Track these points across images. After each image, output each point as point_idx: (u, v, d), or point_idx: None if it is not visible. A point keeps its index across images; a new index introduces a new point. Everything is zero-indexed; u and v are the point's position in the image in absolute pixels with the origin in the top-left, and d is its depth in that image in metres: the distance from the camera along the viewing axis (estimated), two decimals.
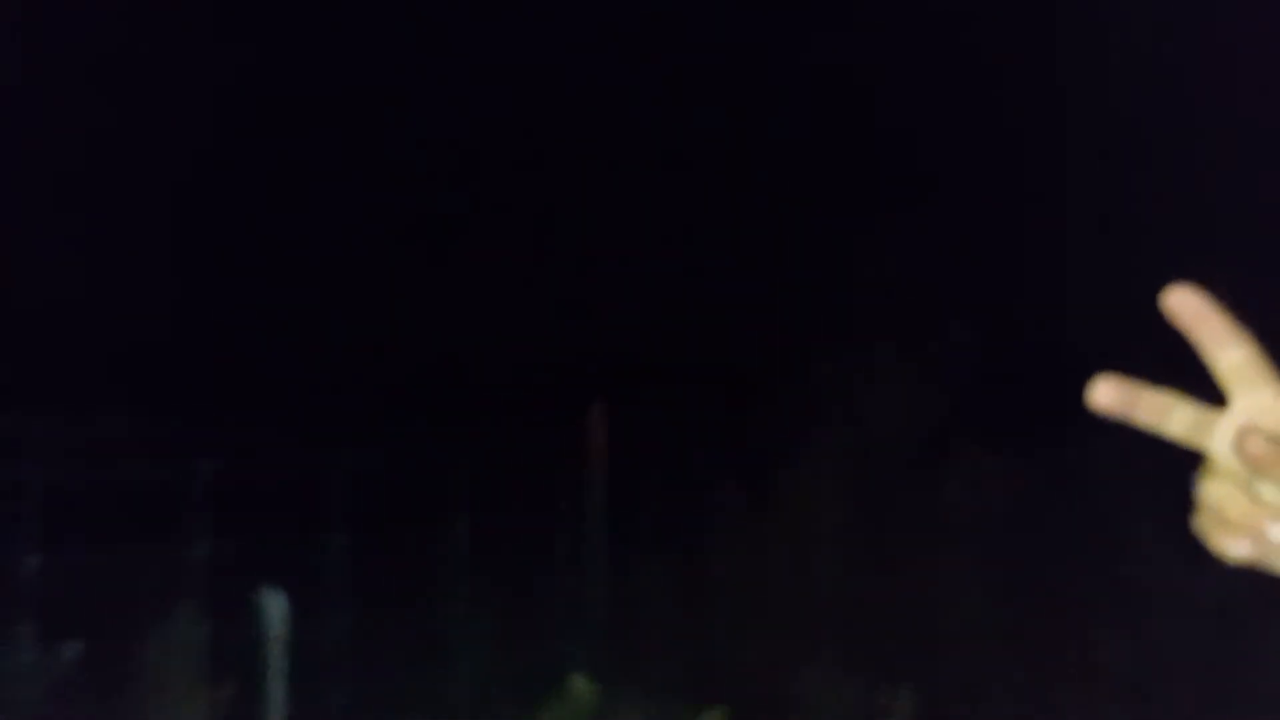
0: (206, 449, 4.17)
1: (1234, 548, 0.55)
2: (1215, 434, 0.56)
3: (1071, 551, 5.54)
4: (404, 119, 7.04)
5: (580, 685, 3.85)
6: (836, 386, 5.89)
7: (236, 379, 5.61)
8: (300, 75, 6.75)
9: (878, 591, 5.42)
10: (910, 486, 5.71)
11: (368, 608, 4.69)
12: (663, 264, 6.61)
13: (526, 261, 6.76)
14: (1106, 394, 0.57)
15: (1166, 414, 0.56)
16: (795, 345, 5.98)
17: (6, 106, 5.66)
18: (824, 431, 5.88)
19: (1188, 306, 0.55)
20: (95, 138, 6.40)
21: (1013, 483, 5.61)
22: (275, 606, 4.26)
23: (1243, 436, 0.53)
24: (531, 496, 5.31)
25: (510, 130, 7.12)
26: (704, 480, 5.79)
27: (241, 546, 4.29)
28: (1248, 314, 0.56)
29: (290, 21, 6.78)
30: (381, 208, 6.97)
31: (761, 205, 6.92)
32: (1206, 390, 0.58)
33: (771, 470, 5.83)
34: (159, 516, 4.18)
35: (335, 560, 4.65)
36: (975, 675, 5.11)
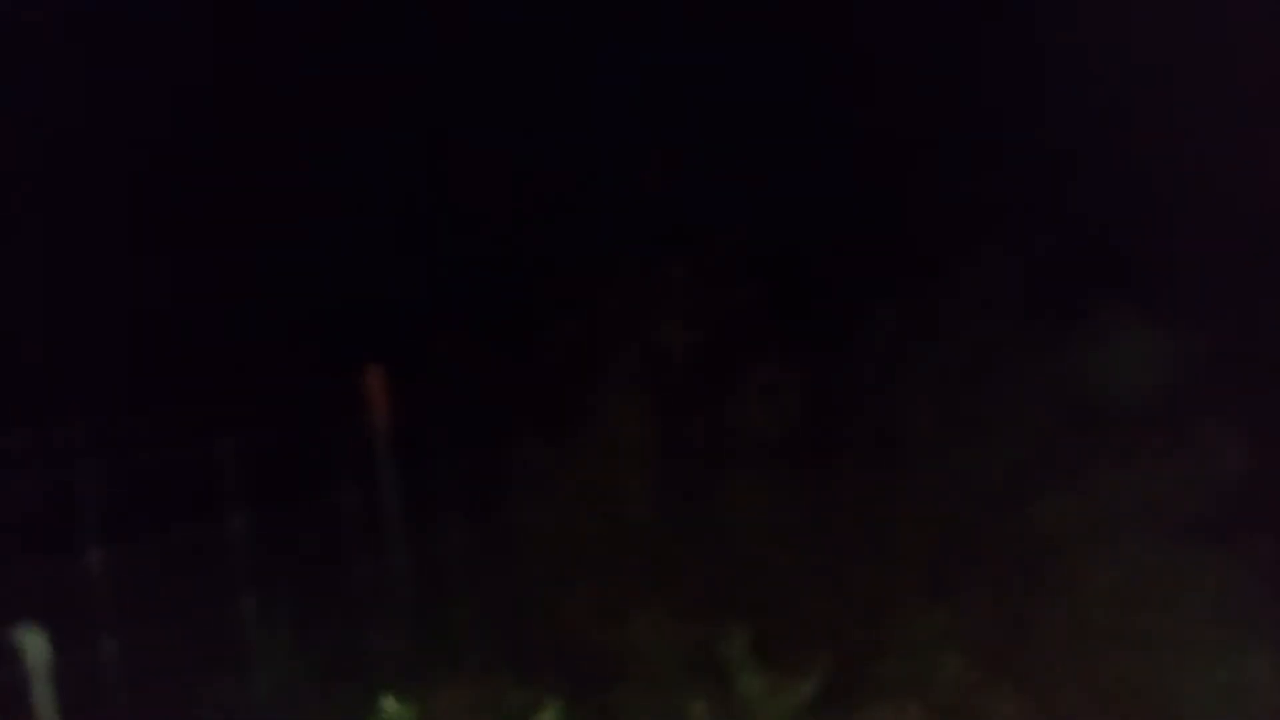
0: None
1: None
2: None
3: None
4: None
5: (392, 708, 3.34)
6: (621, 313, 5.55)
7: None
8: None
9: (691, 527, 5.20)
10: (709, 409, 5.51)
11: (138, 627, 3.87)
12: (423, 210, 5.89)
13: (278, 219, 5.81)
14: None
15: None
16: (573, 280, 5.53)
17: None
18: (613, 362, 5.53)
19: None
20: None
21: (809, 396, 5.53)
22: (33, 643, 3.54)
23: None
24: (311, 476, 4.57)
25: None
26: (498, 433, 5.27)
27: None
28: None
29: None
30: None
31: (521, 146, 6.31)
32: None
33: (566, 411, 5.42)
34: None
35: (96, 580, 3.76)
36: (800, 603, 5.01)
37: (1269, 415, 5.30)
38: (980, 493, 5.86)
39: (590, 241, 5.59)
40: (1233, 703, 4.54)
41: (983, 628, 4.97)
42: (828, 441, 5.91)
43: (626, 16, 6.13)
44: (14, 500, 3.70)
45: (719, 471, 5.59)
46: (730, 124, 6.37)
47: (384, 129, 6.18)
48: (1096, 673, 4.81)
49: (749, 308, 5.72)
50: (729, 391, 5.59)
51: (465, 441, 5.12)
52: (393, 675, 4.51)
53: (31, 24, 5.49)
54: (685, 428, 5.59)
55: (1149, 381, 6.56)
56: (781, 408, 5.55)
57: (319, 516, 4.52)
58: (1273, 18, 5.82)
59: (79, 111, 5.74)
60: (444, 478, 5.00)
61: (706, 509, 5.49)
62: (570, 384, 5.46)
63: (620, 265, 5.50)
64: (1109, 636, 4.86)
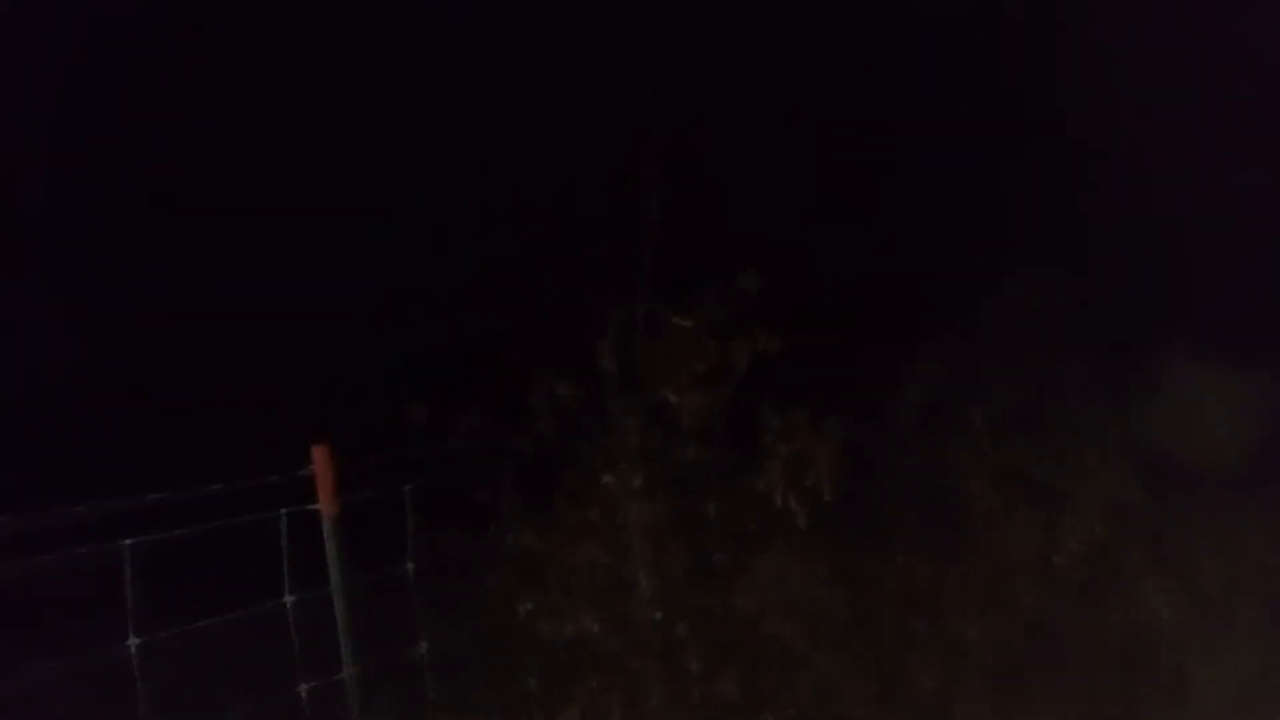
0: None
1: None
2: None
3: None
4: None
5: None
6: (621, 373, 4.72)
7: None
8: None
9: (709, 622, 4.28)
10: (726, 482, 4.61)
11: None
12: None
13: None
14: None
15: None
16: (566, 338, 4.72)
17: None
18: (614, 430, 4.69)
19: None
20: None
21: (842, 464, 4.62)
22: None
23: None
24: (245, 574, 3.76)
25: None
26: (480, 513, 4.43)
27: None
28: None
29: None
30: None
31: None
32: None
33: (559, 487, 4.56)
34: None
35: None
36: (843, 709, 4.07)
37: None
38: (1055, 574, 4.92)
39: (584, 290, 4.80)
40: None
41: None
42: (868, 516, 5.00)
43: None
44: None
45: (740, 554, 4.69)
46: (739, 166, 5.60)
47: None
48: None
49: (768, 364, 4.86)
50: (749, 461, 4.71)
51: (440, 523, 4.28)
52: None
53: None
54: (699, 504, 4.71)
55: (1233, 435, 5.72)
56: (812, 478, 4.64)
57: (259, 624, 3.68)
58: None
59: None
60: (411, 574, 4.15)
61: (726, 600, 4.59)
62: (564, 457, 4.62)
63: (617, 317, 4.69)
64: None
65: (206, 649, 3.54)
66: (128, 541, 3.27)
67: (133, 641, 3.28)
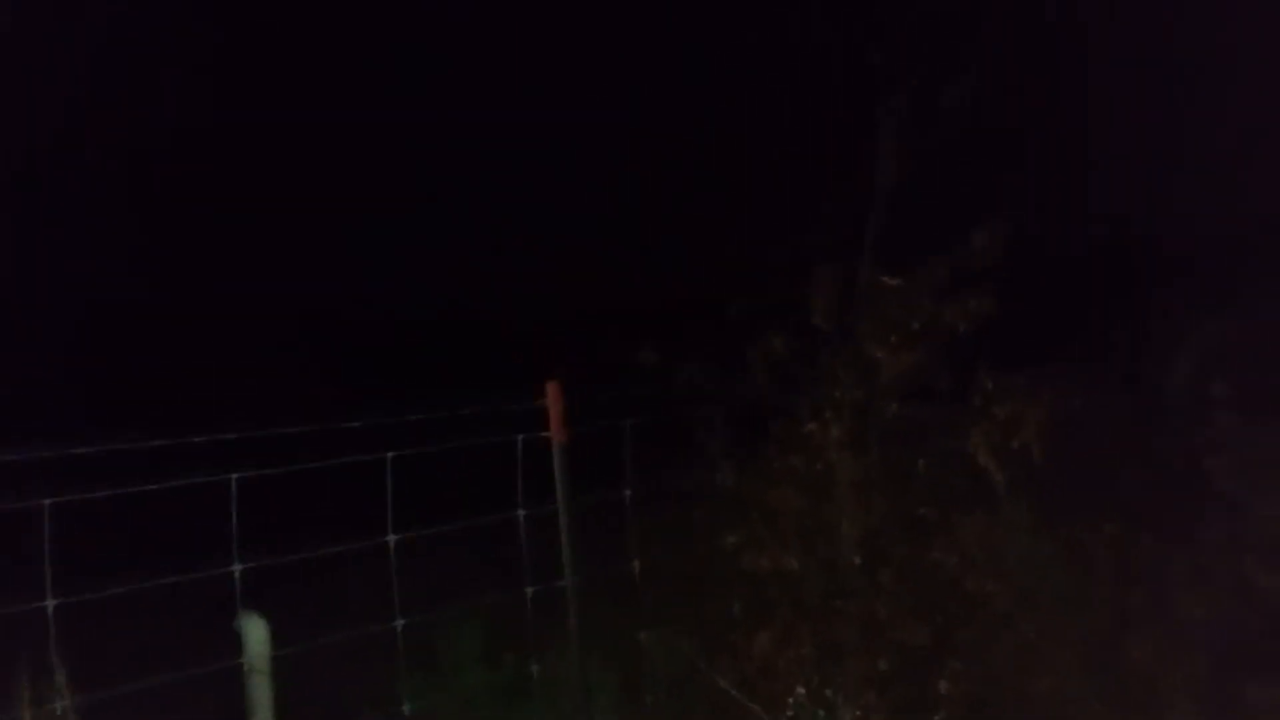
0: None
1: None
2: None
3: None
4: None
5: None
6: (833, 321, 4.80)
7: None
8: None
9: (911, 577, 4.34)
10: (937, 440, 4.61)
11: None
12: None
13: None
14: None
15: None
16: (783, 290, 4.85)
17: None
18: (823, 379, 4.79)
19: None
20: None
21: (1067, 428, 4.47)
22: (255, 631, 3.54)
23: None
24: (489, 490, 4.28)
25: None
26: (694, 452, 4.72)
27: None
28: None
29: None
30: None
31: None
32: None
33: (772, 434, 4.75)
34: None
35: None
36: (1046, 683, 4.02)
37: None
38: None
39: (804, 246, 4.90)
40: None
41: None
42: (1089, 484, 4.80)
43: None
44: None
45: (946, 511, 4.68)
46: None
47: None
48: None
49: (992, 326, 4.75)
50: (960, 420, 4.66)
51: (655, 461, 4.62)
52: (560, 706, 4.13)
53: None
54: (909, 460, 4.73)
55: None
56: (1022, 441, 4.53)
57: (492, 533, 4.20)
58: None
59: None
60: (629, 499, 4.53)
61: (927, 554, 4.61)
62: (778, 405, 4.80)
63: (836, 271, 4.76)
64: None
65: (448, 551, 4.09)
66: (389, 454, 3.85)
67: (391, 538, 3.87)
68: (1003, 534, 4.49)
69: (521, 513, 4.15)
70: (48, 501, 3.34)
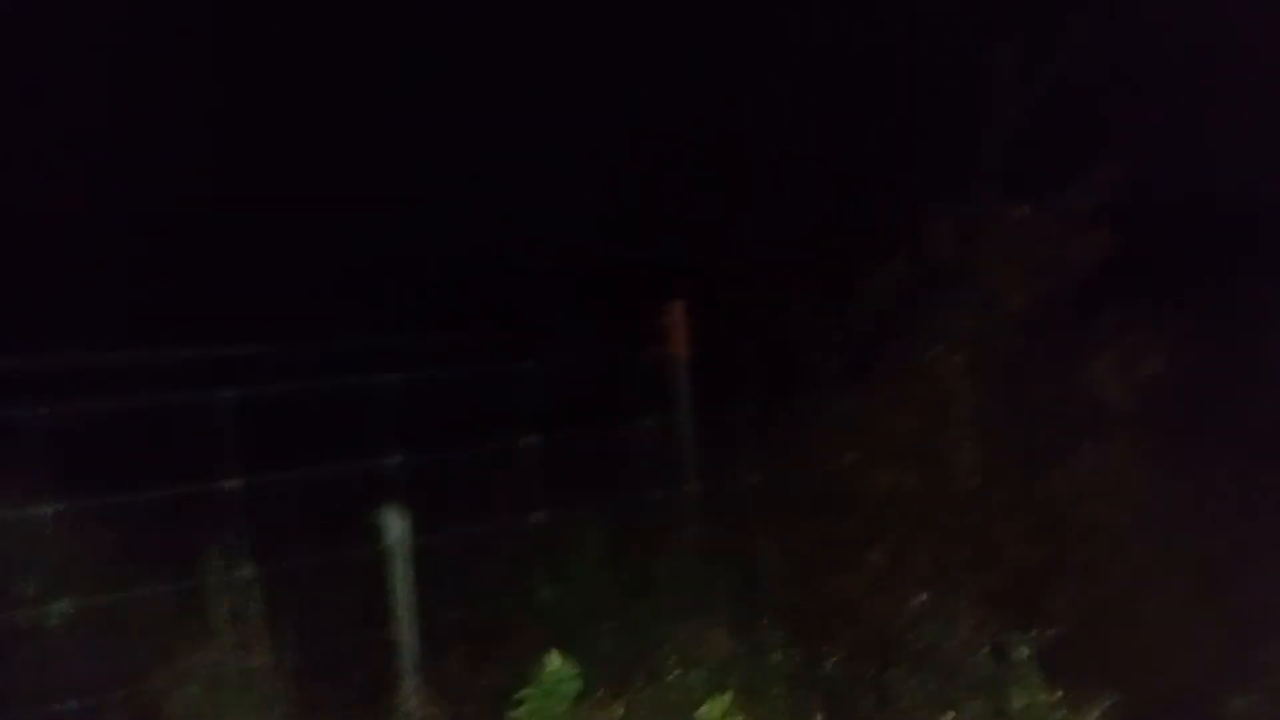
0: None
1: None
2: None
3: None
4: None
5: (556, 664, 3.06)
6: (956, 257, 4.84)
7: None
8: None
9: (1025, 505, 4.40)
10: (1054, 371, 4.64)
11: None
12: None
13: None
14: None
15: None
16: (903, 217, 4.90)
17: None
18: (942, 308, 4.85)
19: None
20: None
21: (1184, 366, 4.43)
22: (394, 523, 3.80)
23: None
24: (610, 402, 4.49)
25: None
26: (812, 376, 4.84)
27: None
28: None
29: None
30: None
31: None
32: None
33: (887, 360, 4.84)
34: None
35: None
36: (1148, 616, 4.05)
37: None
38: None
39: (924, 175, 4.93)
40: None
41: None
42: (1214, 418, 4.76)
43: None
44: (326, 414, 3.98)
45: (1063, 444, 4.71)
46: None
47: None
48: None
49: (1107, 261, 4.72)
50: (1079, 353, 4.67)
51: (773, 382, 4.76)
52: (679, 606, 4.34)
53: None
54: (1025, 390, 4.77)
55: None
56: (1148, 376, 4.52)
57: (617, 441, 4.42)
58: None
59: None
60: (747, 416, 4.69)
61: (1045, 486, 4.65)
62: (894, 332, 4.88)
63: (957, 203, 4.79)
64: None
65: (581, 454, 4.33)
66: (529, 363, 4.09)
67: (534, 439, 4.13)
68: (1122, 461, 4.51)
69: (647, 422, 4.35)
70: (229, 394, 3.69)
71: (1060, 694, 3.38)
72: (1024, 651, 3.63)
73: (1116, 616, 4.20)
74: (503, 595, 4.17)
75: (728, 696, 3.07)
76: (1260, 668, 3.80)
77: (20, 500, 3.39)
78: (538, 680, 3.04)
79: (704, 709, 3.07)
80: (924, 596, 4.05)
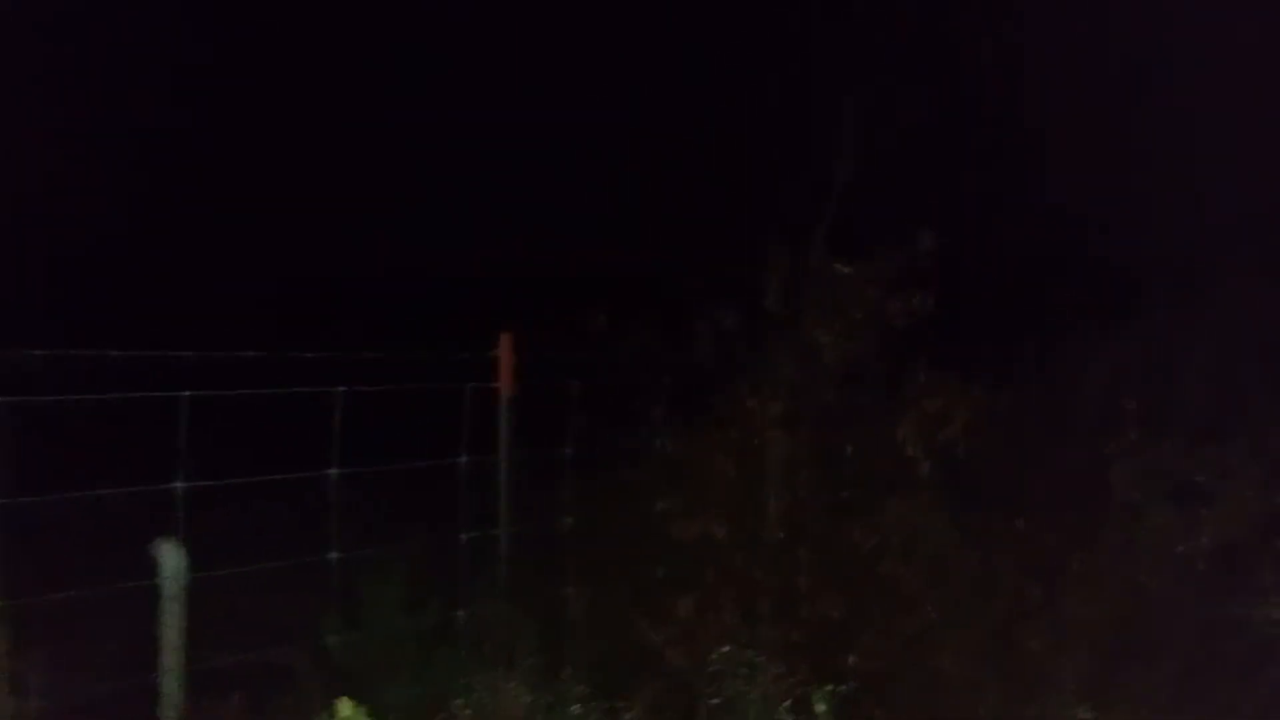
0: None
1: None
2: None
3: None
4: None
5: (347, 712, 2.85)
6: (780, 303, 4.87)
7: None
8: None
9: (830, 556, 4.45)
10: (867, 426, 4.72)
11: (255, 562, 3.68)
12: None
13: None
14: None
15: None
16: (736, 267, 4.90)
17: None
18: (764, 358, 4.87)
19: None
20: None
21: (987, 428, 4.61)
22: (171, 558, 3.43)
23: None
24: (430, 436, 4.24)
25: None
26: (635, 416, 4.75)
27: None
28: None
29: None
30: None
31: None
32: None
33: (710, 406, 4.81)
34: None
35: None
36: (941, 671, 4.16)
37: None
38: (1188, 571, 4.75)
39: (760, 225, 4.95)
40: None
41: None
42: (1006, 483, 4.98)
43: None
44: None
45: (869, 494, 4.81)
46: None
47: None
48: None
49: (931, 322, 4.88)
50: (891, 410, 4.79)
51: (597, 423, 4.64)
52: (480, 654, 4.12)
53: None
54: (837, 444, 4.84)
55: None
56: (948, 435, 4.68)
57: (428, 477, 4.17)
58: None
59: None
60: (568, 458, 4.54)
61: (848, 533, 4.73)
62: (718, 379, 4.86)
63: (788, 254, 4.83)
64: None
65: (391, 488, 4.05)
66: (341, 389, 3.78)
67: (334, 471, 3.81)
68: (919, 520, 4.64)
69: (464, 459, 4.12)
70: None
71: None
72: (821, 706, 3.65)
73: (909, 671, 4.29)
74: (289, 639, 3.83)
75: None
76: None
77: None
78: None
79: None
80: (727, 649, 4.00)
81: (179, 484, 3.49)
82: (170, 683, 3.44)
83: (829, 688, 3.81)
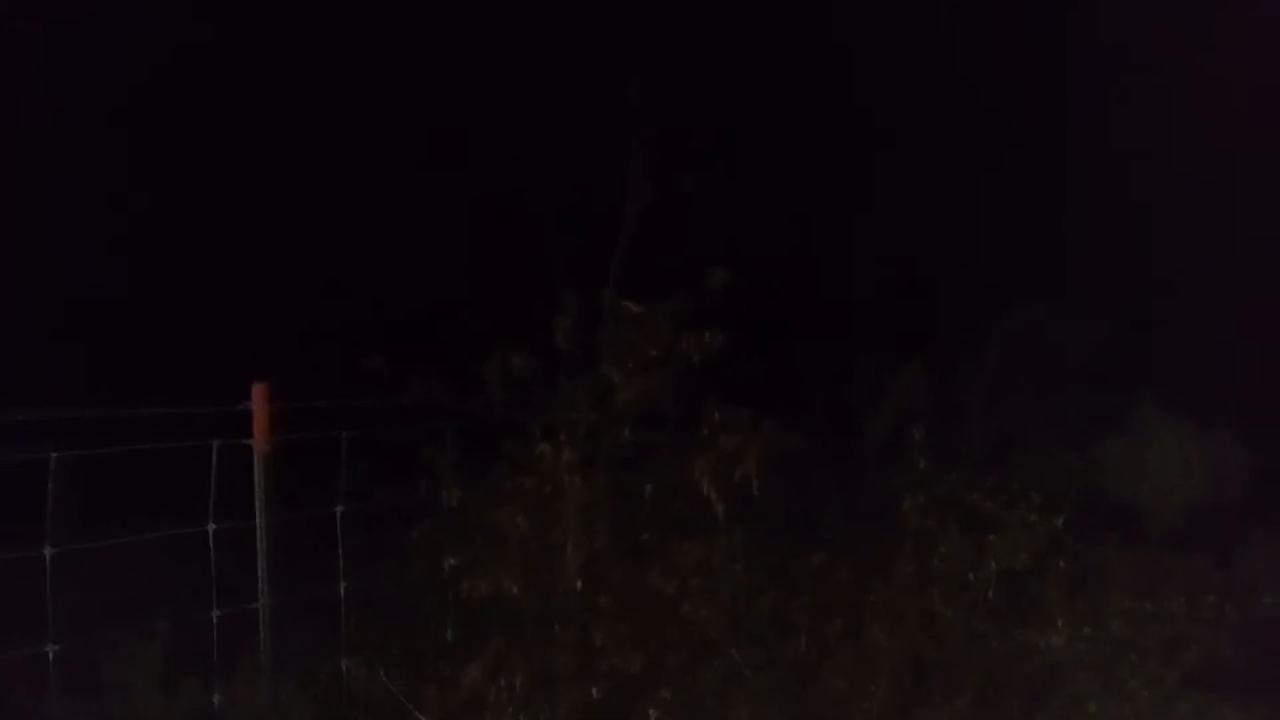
0: None
1: None
2: None
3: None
4: None
5: None
6: (574, 344, 4.66)
7: None
8: None
9: (628, 603, 4.22)
10: (662, 468, 4.55)
11: None
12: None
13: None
14: None
15: None
16: (522, 307, 4.66)
17: None
18: (558, 401, 4.63)
19: None
20: None
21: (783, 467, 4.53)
22: None
23: None
24: (179, 495, 3.75)
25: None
26: (417, 466, 4.39)
27: None
28: None
29: None
30: None
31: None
32: None
33: (499, 452, 4.51)
34: None
35: None
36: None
37: None
38: (972, 592, 4.82)
39: (555, 271, 4.75)
40: None
41: None
42: (795, 518, 4.93)
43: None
44: None
45: (667, 537, 4.64)
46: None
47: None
48: None
49: (724, 361, 4.78)
50: (687, 450, 4.64)
51: (373, 478, 4.25)
52: None
53: None
54: (633, 487, 4.65)
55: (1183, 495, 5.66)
56: (742, 474, 4.57)
57: (175, 546, 3.68)
58: None
59: None
60: (341, 517, 4.13)
61: (647, 579, 4.53)
62: (509, 425, 4.58)
63: (581, 295, 4.64)
64: None
65: (125, 565, 3.54)
66: (54, 454, 3.27)
67: (49, 551, 3.28)
68: (718, 561, 4.50)
69: (212, 526, 3.66)
70: None
71: None
72: None
73: None
74: None
75: None
76: None
77: None
78: None
79: None
80: (520, 717, 3.70)
81: None
82: None
83: None
